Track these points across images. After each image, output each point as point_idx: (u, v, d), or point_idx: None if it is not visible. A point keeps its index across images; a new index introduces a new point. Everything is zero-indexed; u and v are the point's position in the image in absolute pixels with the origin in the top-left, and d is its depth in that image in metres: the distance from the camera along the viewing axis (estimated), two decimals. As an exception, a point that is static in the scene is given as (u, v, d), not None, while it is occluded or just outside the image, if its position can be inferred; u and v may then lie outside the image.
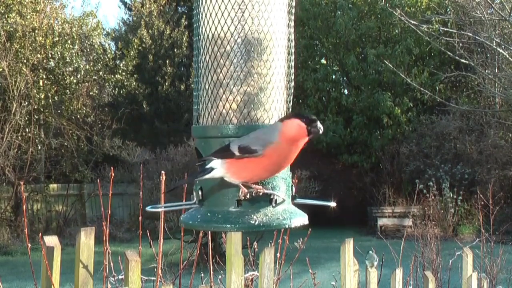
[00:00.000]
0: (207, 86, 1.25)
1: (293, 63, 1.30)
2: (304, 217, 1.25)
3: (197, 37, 1.30)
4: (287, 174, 1.26)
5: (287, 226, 1.22)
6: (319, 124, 1.18)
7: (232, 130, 1.21)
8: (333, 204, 1.36)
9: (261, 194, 1.20)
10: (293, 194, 1.28)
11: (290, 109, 1.30)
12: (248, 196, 1.19)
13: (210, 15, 1.24)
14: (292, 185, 1.28)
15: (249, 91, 1.23)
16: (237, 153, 1.16)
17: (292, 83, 1.31)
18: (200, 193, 1.24)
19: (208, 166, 1.19)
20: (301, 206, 1.30)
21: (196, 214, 1.24)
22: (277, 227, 1.22)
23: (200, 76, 1.28)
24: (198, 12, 1.29)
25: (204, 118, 1.27)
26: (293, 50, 1.30)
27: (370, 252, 3.21)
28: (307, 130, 1.18)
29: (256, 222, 1.19)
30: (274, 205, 1.21)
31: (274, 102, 1.25)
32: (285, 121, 1.18)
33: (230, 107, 1.23)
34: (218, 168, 1.18)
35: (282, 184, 1.24)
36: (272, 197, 1.21)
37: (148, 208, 1.34)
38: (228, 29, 1.22)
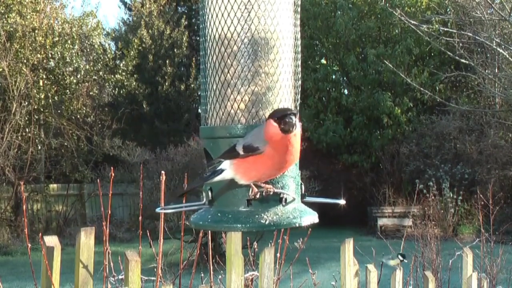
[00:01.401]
0: (214, 87, 1.25)
1: (300, 62, 1.31)
2: (314, 216, 1.25)
3: (203, 38, 1.30)
4: (296, 173, 1.26)
5: (297, 225, 1.22)
6: (292, 119, 1.14)
7: (240, 130, 1.21)
8: (342, 202, 1.36)
9: (271, 193, 1.20)
10: (303, 192, 1.28)
11: (298, 108, 1.30)
12: (258, 196, 1.19)
13: (217, 16, 1.24)
14: (301, 184, 1.28)
15: (256, 90, 1.23)
16: (241, 152, 1.16)
17: (300, 82, 1.31)
18: (210, 193, 1.24)
19: (218, 168, 1.18)
20: (308, 205, 1.31)
21: (206, 214, 1.24)
22: (288, 226, 1.22)
23: (207, 77, 1.28)
24: (204, 12, 1.28)
25: (212, 118, 1.27)
26: (299, 49, 1.30)
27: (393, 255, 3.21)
28: (280, 129, 1.14)
29: (267, 222, 1.19)
30: (284, 204, 1.21)
31: (282, 101, 1.25)
32: (266, 121, 1.17)
33: (238, 107, 1.23)
34: (228, 170, 1.18)
35: (292, 183, 1.24)
36: (282, 196, 1.21)
37: (157, 210, 1.33)
38: (235, 29, 1.22)
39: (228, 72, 1.23)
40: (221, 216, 1.22)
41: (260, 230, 1.22)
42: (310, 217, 1.24)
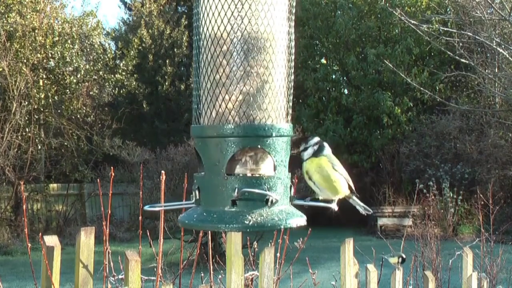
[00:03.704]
0: (205, 86, 1.25)
1: (293, 63, 1.30)
2: (301, 218, 1.24)
3: (197, 37, 1.29)
4: (285, 175, 1.25)
5: (282, 227, 1.21)
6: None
7: (229, 130, 1.21)
8: (333, 205, 1.35)
9: (255, 194, 1.19)
10: (292, 195, 1.28)
11: (290, 109, 1.30)
12: (242, 196, 1.19)
13: (209, 15, 1.23)
14: (291, 186, 1.27)
15: (247, 90, 1.22)
16: None
17: (292, 83, 1.30)
18: (197, 192, 1.24)
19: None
20: (302, 206, 1.30)
21: (193, 213, 1.25)
22: (272, 228, 1.21)
23: (200, 76, 1.28)
24: (198, 11, 1.28)
25: (202, 117, 1.27)
26: (293, 50, 1.29)
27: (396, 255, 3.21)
28: None
29: (250, 222, 1.18)
30: (269, 205, 1.21)
31: (274, 102, 1.24)
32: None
33: (227, 106, 1.22)
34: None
35: (280, 184, 1.23)
36: (267, 197, 1.21)
37: (146, 208, 1.34)
38: (225, 28, 1.22)
39: (218, 71, 1.22)
40: (206, 216, 1.21)
41: (244, 231, 1.22)
42: (297, 220, 1.23)
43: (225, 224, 1.19)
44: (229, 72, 1.22)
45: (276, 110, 1.25)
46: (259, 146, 1.21)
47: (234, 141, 1.20)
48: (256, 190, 1.20)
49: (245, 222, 1.18)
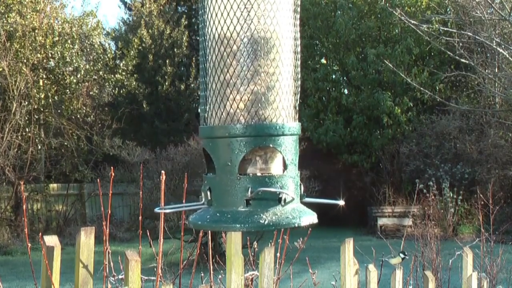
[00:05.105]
0: (214, 86, 1.25)
1: (299, 62, 1.31)
2: (313, 216, 1.25)
3: (203, 38, 1.29)
4: (295, 173, 1.26)
5: (296, 225, 1.22)
6: None
7: (239, 129, 1.21)
8: (341, 202, 1.36)
9: (271, 192, 1.20)
10: (302, 193, 1.28)
11: (298, 108, 1.31)
12: (256, 196, 1.19)
13: (216, 15, 1.24)
14: (300, 184, 1.28)
15: (256, 90, 1.23)
16: None
17: (299, 82, 1.31)
18: (208, 193, 1.24)
19: None
20: (310, 204, 1.31)
21: (205, 214, 1.25)
22: (287, 226, 1.22)
23: (207, 77, 1.28)
24: (204, 12, 1.28)
25: (211, 118, 1.27)
26: (299, 49, 1.30)
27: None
28: None
29: (266, 222, 1.19)
30: (283, 204, 1.21)
31: (282, 101, 1.25)
32: None
33: (238, 106, 1.23)
34: None
35: (291, 183, 1.24)
36: (281, 196, 1.21)
37: (156, 210, 1.33)
38: (234, 28, 1.22)
39: (228, 71, 1.23)
40: (220, 216, 1.22)
41: (259, 230, 1.22)
42: (309, 217, 1.24)
43: (240, 224, 1.19)
44: (239, 72, 1.22)
45: (285, 108, 1.25)
46: (271, 145, 1.22)
47: (246, 140, 1.21)
48: (272, 189, 1.20)
49: (260, 221, 1.19)
